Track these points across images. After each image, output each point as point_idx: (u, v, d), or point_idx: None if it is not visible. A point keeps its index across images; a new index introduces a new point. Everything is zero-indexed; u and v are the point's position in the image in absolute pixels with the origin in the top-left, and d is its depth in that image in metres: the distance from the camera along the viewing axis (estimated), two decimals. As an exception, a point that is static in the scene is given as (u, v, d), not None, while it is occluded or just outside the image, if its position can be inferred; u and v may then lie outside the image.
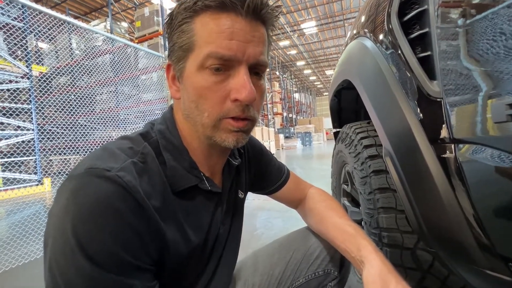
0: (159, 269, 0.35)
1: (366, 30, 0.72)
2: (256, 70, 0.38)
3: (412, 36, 0.52)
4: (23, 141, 2.80)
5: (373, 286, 0.40)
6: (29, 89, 3.02)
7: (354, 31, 0.85)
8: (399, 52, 0.54)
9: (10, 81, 3.11)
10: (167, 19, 0.39)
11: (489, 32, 0.37)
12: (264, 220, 2.04)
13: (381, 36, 0.62)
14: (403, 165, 0.56)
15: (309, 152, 8.65)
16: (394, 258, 0.61)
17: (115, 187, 0.30)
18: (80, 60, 3.91)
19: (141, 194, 0.32)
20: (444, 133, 0.46)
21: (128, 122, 3.64)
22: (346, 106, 1.21)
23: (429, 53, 0.49)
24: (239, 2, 0.34)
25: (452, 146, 0.45)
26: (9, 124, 2.89)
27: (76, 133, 3.22)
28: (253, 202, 2.55)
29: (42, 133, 3.01)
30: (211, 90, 0.35)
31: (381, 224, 0.64)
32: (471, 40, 0.41)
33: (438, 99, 0.47)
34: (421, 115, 0.51)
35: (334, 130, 1.31)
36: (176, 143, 0.40)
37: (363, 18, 0.78)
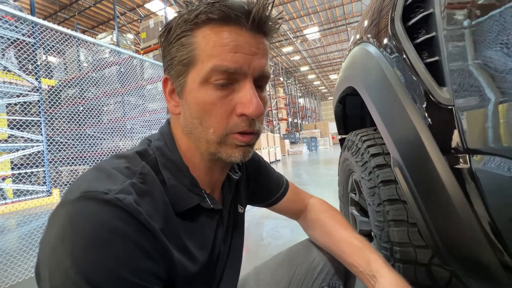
0: None
1: (369, 35, 0.70)
2: (259, 83, 0.37)
3: (418, 40, 0.50)
4: (30, 154, 2.85)
5: None
6: (38, 101, 3.09)
7: (357, 37, 0.83)
8: (405, 57, 0.52)
9: (18, 96, 3.19)
10: (162, 31, 0.37)
11: (503, 33, 0.35)
12: (271, 229, 2.00)
13: (385, 42, 0.60)
14: (413, 175, 0.53)
15: (316, 157, 8.56)
16: (408, 274, 0.58)
17: (116, 210, 0.28)
18: (88, 72, 4.00)
19: (144, 215, 0.30)
20: (456, 142, 0.43)
21: (135, 132, 3.68)
22: (351, 113, 1.18)
23: (436, 58, 0.47)
24: (243, 15, 0.33)
25: (467, 156, 0.42)
26: (16, 137, 2.95)
27: (84, 143, 3.26)
28: (259, 210, 2.51)
29: (50, 144, 3.06)
30: (216, 105, 0.34)
31: (392, 238, 0.61)
32: (483, 42, 0.38)
33: (449, 107, 0.44)
34: (430, 123, 0.48)
35: (340, 137, 1.28)
36: (176, 161, 0.38)
37: (365, 23, 0.76)
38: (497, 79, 0.36)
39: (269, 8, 0.34)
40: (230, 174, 0.47)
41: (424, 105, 0.49)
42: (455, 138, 0.43)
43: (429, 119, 0.48)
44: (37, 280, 0.28)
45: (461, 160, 0.43)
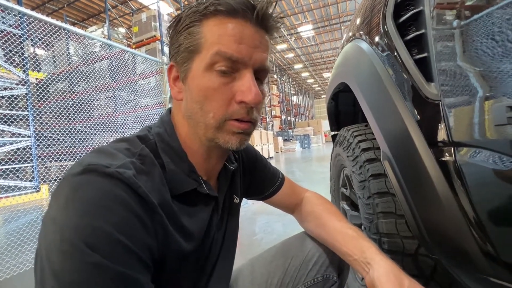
0: (156, 273, 0.33)
1: (361, 32, 0.71)
2: (258, 76, 0.38)
3: (408, 37, 0.51)
4: (18, 149, 2.78)
5: (388, 284, 0.40)
6: (26, 95, 3.01)
7: (350, 34, 0.84)
8: (395, 54, 0.53)
9: (5, 89, 3.09)
10: (172, 22, 0.39)
11: (487, 32, 0.36)
12: (264, 224, 2.01)
13: (376, 38, 0.61)
14: (401, 168, 0.54)
15: (309, 155, 8.63)
16: (395, 264, 0.60)
17: (117, 182, 0.29)
18: (78, 66, 3.91)
19: (143, 188, 0.31)
20: (443, 136, 0.45)
21: (126, 127, 3.63)
22: (344, 109, 1.20)
23: (425, 54, 0.48)
24: (249, 10, 0.35)
25: (452, 149, 0.44)
26: (3, 131, 2.86)
27: (74, 139, 3.20)
28: (252, 206, 2.52)
29: (39, 139, 2.99)
30: (217, 91, 0.36)
31: (380, 230, 0.63)
32: (468, 41, 0.40)
33: (436, 101, 0.46)
34: (419, 117, 0.50)
35: (332, 133, 1.30)
36: (175, 146, 0.39)
37: (358, 20, 0.77)
38: (482, 75, 0.38)
39: (273, 5, 0.37)
40: (226, 164, 0.48)
41: (413, 100, 0.50)
42: (442, 132, 0.45)
43: (417, 114, 0.50)
44: (35, 260, 0.28)
45: (446, 153, 0.45)
